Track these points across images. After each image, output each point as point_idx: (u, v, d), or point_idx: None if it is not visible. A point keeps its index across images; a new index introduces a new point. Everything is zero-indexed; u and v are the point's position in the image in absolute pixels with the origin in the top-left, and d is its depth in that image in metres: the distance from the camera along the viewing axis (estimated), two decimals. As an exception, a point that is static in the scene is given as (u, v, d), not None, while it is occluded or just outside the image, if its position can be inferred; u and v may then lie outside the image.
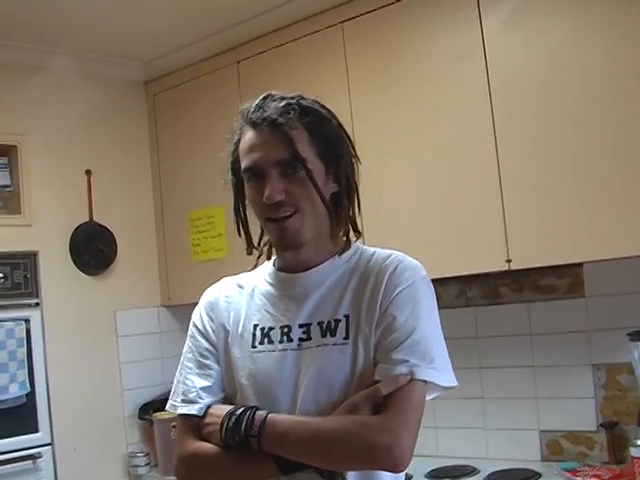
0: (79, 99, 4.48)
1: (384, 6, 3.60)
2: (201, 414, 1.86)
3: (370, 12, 3.66)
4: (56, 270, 4.28)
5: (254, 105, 1.88)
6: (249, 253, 2.01)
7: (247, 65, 4.22)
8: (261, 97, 1.90)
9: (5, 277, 4.03)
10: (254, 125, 1.86)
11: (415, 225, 3.48)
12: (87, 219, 4.45)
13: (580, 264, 3.41)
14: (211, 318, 1.99)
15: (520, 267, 3.26)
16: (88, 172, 4.48)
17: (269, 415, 1.74)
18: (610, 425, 3.34)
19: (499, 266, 3.25)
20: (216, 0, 3.91)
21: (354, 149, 1.96)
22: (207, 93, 4.43)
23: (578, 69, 3.05)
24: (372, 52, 3.68)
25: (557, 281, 3.55)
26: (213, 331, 1.97)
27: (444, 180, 3.42)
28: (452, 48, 3.41)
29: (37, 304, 4.16)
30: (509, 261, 3.21)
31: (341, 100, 3.57)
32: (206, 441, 1.83)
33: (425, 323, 1.79)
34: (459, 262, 3.37)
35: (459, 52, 3.38)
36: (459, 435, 3.85)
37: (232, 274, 2.11)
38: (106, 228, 4.52)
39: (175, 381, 1.97)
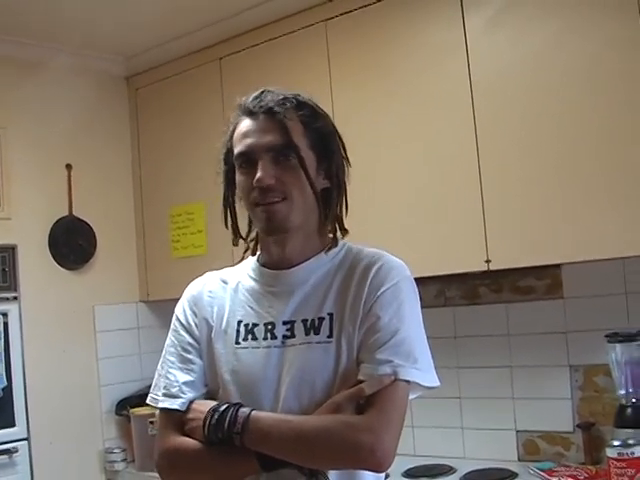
0: (60, 93, 4.46)
1: (367, 5, 3.60)
2: (184, 409, 1.86)
3: (353, 10, 3.66)
4: (35, 264, 4.26)
5: (252, 97, 1.91)
6: (235, 244, 2.01)
7: (230, 61, 4.21)
8: (259, 91, 1.92)
9: (-17, 270, 4.01)
10: (250, 113, 1.88)
11: (394, 224, 3.49)
12: (67, 213, 4.43)
13: (559, 265, 3.43)
14: (194, 312, 1.99)
15: (499, 267, 3.27)
16: (68, 166, 4.46)
17: (252, 412, 1.74)
18: (587, 426, 3.36)
19: (478, 266, 3.26)
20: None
21: (345, 150, 1.97)
22: (189, 89, 4.42)
23: (561, 70, 3.06)
24: (355, 50, 3.68)
25: (536, 282, 3.56)
26: (196, 325, 1.97)
27: (424, 180, 3.43)
28: (434, 47, 3.41)
29: (15, 298, 4.13)
30: (488, 261, 3.22)
31: (323, 98, 3.53)
32: (188, 436, 1.83)
33: (409, 323, 1.80)
34: (438, 262, 3.37)
35: (441, 52, 3.39)
36: (436, 434, 3.86)
37: (211, 271, 2.11)
38: (86, 223, 4.50)
39: (156, 375, 1.97)
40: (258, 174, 1.81)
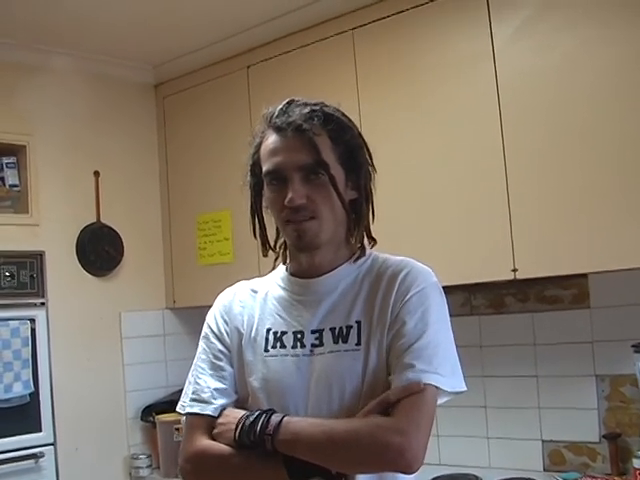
0: (89, 100, 4.49)
1: (394, 14, 3.61)
2: (216, 414, 1.88)
3: (380, 20, 3.66)
4: (62, 270, 4.29)
5: (278, 110, 1.90)
6: (265, 255, 2.03)
7: (257, 70, 4.23)
8: (285, 102, 1.92)
9: (12, 276, 4.04)
10: (278, 129, 1.87)
11: (422, 232, 3.49)
12: (94, 220, 4.47)
13: (585, 275, 3.41)
14: (225, 321, 2.01)
15: (526, 277, 3.26)
16: (96, 173, 4.49)
17: (285, 417, 1.75)
18: (613, 436, 3.34)
19: (505, 275, 3.25)
20: (227, 5, 3.92)
21: (371, 158, 1.98)
22: (217, 97, 4.44)
23: (587, 79, 3.05)
24: (382, 59, 3.68)
25: (562, 291, 3.55)
26: (227, 334, 1.99)
27: (451, 188, 3.42)
28: (461, 57, 3.41)
29: (43, 304, 4.16)
30: (515, 270, 3.21)
31: (350, 107, 3.54)
32: (214, 441, 1.85)
33: (434, 328, 1.81)
34: (465, 270, 3.37)
35: (468, 62, 3.38)
36: (461, 443, 3.85)
37: (238, 278, 2.14)
38: (113, 229, 4.53)
39: (187, 383, 2.00)
40: (289, 195, 1.82)
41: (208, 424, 1.88)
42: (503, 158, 3.24)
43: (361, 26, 3.74)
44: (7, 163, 4.18)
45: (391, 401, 1.72)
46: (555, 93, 3.13)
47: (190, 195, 4.63)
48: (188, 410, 1.92)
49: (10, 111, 4.16)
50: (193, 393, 1.93)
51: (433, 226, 3.48)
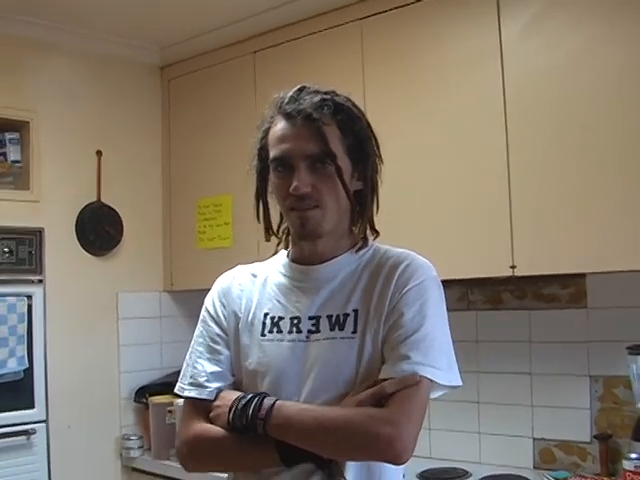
0: (95, 79, 4.50)
1: (403, 5, 3.59)
2: (211, 398, 1.90)
3: (389, 10, 3.65)
4: (61, 248, 4.29)
5: (288, 96, 1.91)
6: (267, 240, 2.04)
7: (263, 56, 4.22)
8: (296, 89, 1.92)
9: (10, 252, 4.03)
10: (288, 116, 1.88)
11: (422, 226, 3.49)
12: (95, 199, 4.46)
13: (584, 275, 3.41)
14: (223, 304, 2.02)
15: (524, 274, 3.26)
16: (99, 153, 4.48)
17: (277, 401, 1.77)
18: (604, 437, 3.34)
19: (503, 271, 3.25)
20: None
21: (379, 150, 1.99)
22: (222, 81, 4.43)
23: (594, 79, 3.04)
24: (389, 51, 3.67)
25: (560, 290, 3.55)
26: (225, 317, 2.00)
27: (453, 182, 3.42)
28: (470, 51, 3.40)
29: (40, 281, 4.16)
30: (513, 267, 3.21)
31: (355, 97, 3.56)
32: (212, 424, 1.87)
33: (431, 322, 1.82)
34: (464, 265, 3.36)
35: (476, 55, 3.37)
36: (453, 438, 3.85)
37: (237, 263, 2.14)
38: (113, 209, 4.52)
39: (184, 364, 2.01)
40: (294, 183, 1.83)
41: (205, 408, 1.90)
42: (506, 155, 3.23)
43: (369, 16, 3.73)
44: (10, 139, 4.17)
45: (386, 393, 1.72)
46: (562, 90, 3.12)
47: (191, 178, 4.63)
48: (186, 394, 1.94)
49: (15, 87, 4.16)
50: (191, 377, 1.95)
51: (433, 220, 3.47)
